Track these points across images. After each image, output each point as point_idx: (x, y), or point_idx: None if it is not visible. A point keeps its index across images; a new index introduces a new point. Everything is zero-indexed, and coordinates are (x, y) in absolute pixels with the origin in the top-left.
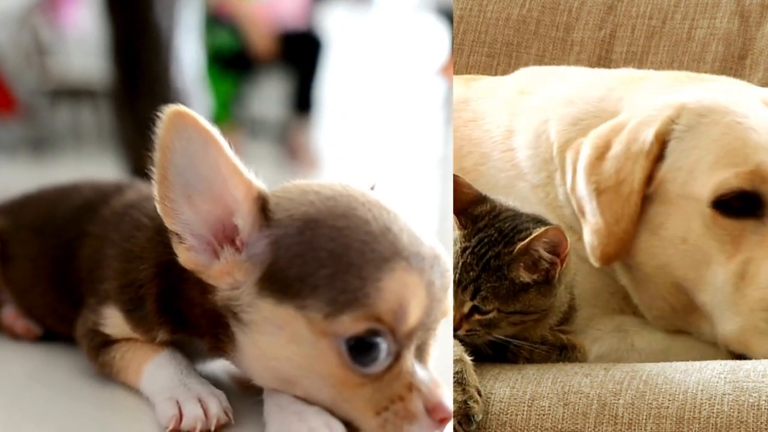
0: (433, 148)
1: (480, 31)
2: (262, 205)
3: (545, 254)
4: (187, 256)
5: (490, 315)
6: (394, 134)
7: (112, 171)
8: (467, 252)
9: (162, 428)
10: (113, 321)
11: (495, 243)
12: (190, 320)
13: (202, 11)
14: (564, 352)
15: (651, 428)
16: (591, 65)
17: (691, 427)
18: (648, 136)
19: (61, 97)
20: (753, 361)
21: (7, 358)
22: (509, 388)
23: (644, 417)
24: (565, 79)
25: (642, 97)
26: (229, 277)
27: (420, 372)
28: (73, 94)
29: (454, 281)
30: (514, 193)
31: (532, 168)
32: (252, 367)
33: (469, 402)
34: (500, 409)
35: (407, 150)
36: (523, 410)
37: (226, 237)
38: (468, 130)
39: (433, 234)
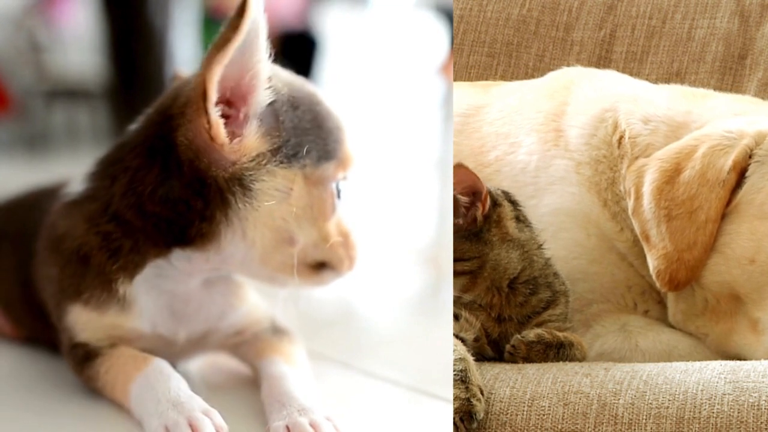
0: (431, 149)
1: (480, 31)
2: (269, 85)
3: (461, 197)
4: (220, 130)
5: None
6: (392, 134)
7: None
8: None
9: None
10: (81, 320)
11: None
12: (166, 224)
13: (199, 10)
14: (561, 349)
15: (651, 428)
16: (591, 65)
17: (691, 427)
18: (725, 165)
19: (56, 96)
20: (753, 361)
21: None
22: (509, 388)
23: (644, 417)
24: (616, 80)
25: (709, 116)
26: (255, 148)
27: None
28: (68, 92)
29: None
30: (548, 173)
31: (584, 145)
32: (249, 237)
33: (472, 400)
34: (500, 409)
35: (405, 150)
36: (523, 410)
37: (247, 116)
38: (494, 128)
39: (429, 236)
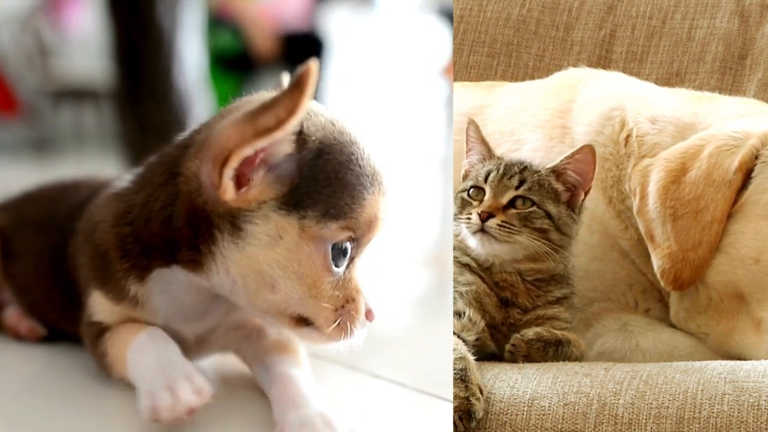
0: (434, 150)
1: (480, 31)
2: (300, 131)
3: (572, 175)
4: (233, 192)
5: (528, 209)
6: (396, 135)
7: (114, 171)
8: (502, 163)
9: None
10: (99, 304)
11: (522, 161)
12: (161, 247)
13: (205, 12)
14: (560, 347)
15: (651, 428)
16: (591, 65)
17: (691, 427)
18: (731, 165)
19: (63, 98)
20: (753, 361)
21: (9, 360)
22: (509, 388)
23: (644, 417)
24: (623, 81)
25: (715, 117)
26: (259, 198)
27: (359, 279)
28: (75, 95)
29: (499, 174)
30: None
31: (590, 142)
32: (233, 275)
33: (471, 399)
34: (500, 409)
35: (409, 151)
36: (523, 410)
37: (264, 162)
38: (498, 126)
39: (433, 237)
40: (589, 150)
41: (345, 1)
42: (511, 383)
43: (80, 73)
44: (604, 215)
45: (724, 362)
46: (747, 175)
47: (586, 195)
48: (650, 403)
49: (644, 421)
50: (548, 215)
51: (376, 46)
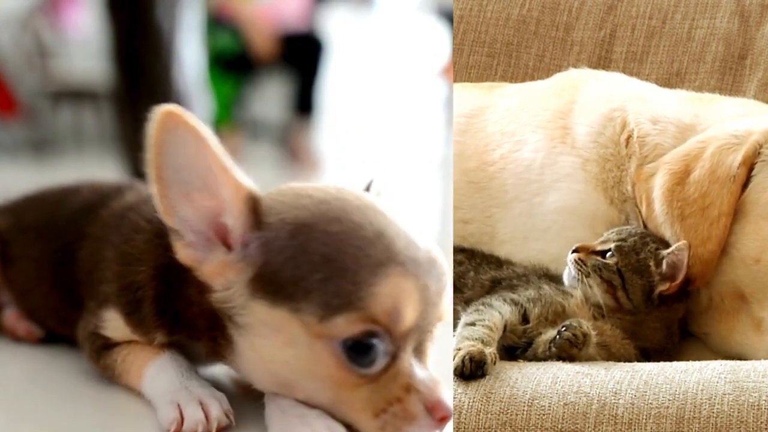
0: (434, 151)
1: (480, 31)
2: (253, 207)
3: (666, 264)
4: (185, 252)
5: (610, 260)
6: (395, 136)
7: (113, 173)
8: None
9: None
10: (113, 324)
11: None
12: (188, 322)
13: (204, 13)
14: (587, 341)
15: (651, 428)
16: (591, 65)
17: (691, 427)
18: (735, 161)
19: (62, 99)
20: (753, 361)
21: (8, 361)
22: (509, 387)
23: (644, 417)
24: (624, 82)
25: (715, 119)
26: (221, 276)
27: (419, 372)
28: (74, 96)
29: (617, 229)
30: (554, 170)
31: (591, 143)
32: (251, 371)
33: (485, 351)
34: (500, 408)
35: (408, 152)
36: (523, 410)
37: (219, 235)
38: (498, 127)
39: (433, 237)
40: (683, 246)
41: (344, 2)
42: (511, 383)
43: (80, 74)
44: (605, 216)
45: (724, 362)
46: (751, 170)
47: (674, 289)
48: (650, 403)
49: (644, 421)
50: (620, 274)
51: (375, 46)
